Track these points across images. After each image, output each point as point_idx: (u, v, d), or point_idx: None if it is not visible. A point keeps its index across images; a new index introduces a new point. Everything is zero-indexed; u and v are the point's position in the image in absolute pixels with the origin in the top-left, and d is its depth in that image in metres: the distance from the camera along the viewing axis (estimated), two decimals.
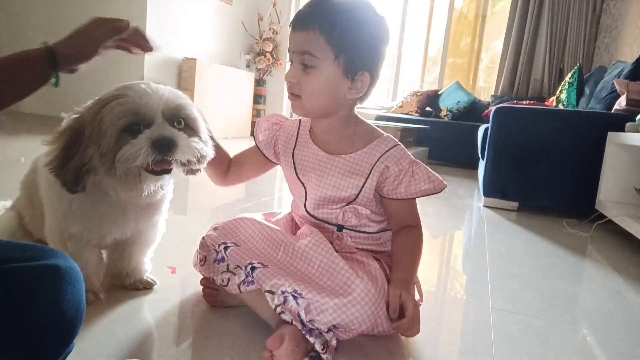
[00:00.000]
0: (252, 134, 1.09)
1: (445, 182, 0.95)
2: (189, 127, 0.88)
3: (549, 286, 1.37)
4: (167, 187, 0.94)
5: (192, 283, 1.08)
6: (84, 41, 0.80)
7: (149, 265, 1.08)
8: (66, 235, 0.90)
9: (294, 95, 0.90)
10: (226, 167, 1.09)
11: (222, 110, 4.89)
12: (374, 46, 0.88)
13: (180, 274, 1.17)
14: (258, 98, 5.64)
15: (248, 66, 5.64)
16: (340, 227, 0.95)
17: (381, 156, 0.92)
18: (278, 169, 1.09)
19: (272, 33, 5.51)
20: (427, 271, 1.41)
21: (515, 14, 5.02)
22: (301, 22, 0.87)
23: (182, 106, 0.85)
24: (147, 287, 1.05)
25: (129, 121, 0.79)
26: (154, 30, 4.17)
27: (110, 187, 0.86)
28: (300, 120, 1.03)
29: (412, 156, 0.95)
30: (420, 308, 0.95)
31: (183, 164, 0.85)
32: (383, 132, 0.98)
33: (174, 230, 1.34)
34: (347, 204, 0.94)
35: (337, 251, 0.90)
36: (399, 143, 0.95)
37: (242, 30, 5.50)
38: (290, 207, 1.07)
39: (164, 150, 0.79)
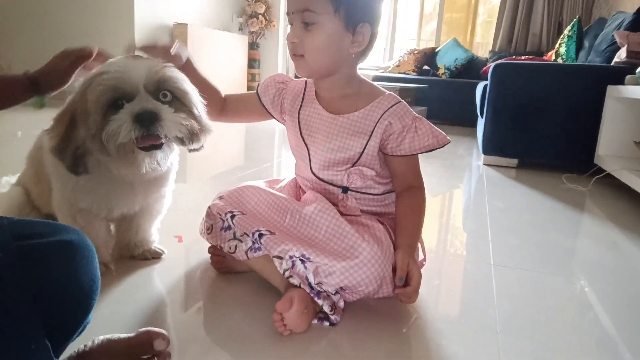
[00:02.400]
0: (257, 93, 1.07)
1: (448, 137, 0.95)
2: (178, 101, 0.84)
3: (548, 240, 1.40)
4: (168, 160, 0.93)
5: (199, 251, 1.10)
6: (56, 72, 0.87)
7: (156, 235, 1.10)
8: (75, 209, 0.92)
9: (297, 56, 0.90)
10: (218, 104, 1.08)
11: (217, 75, 4.82)
12: None
13: (187, 242, 1.19)
14: (252, 62, 5.55)
15: (241, 29, 5.52)
16: (345, 189, 0.96)
17: (384, 113, 0.92)
18: (276, 133, 1.10)
19: None
20: (427, 230, 1.44)
21: None
22: None
23: (166, 78, 0.82)
24: (155, 256, 1.07)
25: (111, 97, 0.77)
26: None
27: (112, 165, 0.86)
28: (306, 81, 1.03)
29: (414, 112, 0.95)
30: (423, 266, 0.98)
31: (176, 139, 0.83)
32: (385, 90, 0.97)
33: (177, 199, 1.35)
34: (352, 165, 0.94)
35: (342, 214, 0.91)
36: (402, 100, 0.95)
37: None
38: (294, 170, 1.08)
39: (145, 124, 0.76)
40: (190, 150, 0.90)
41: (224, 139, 2.94)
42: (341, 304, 0.85)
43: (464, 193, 2.04)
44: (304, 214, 0.90)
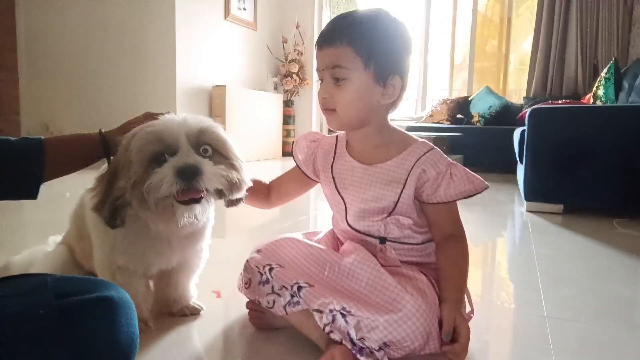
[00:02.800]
0: (291, 153, 1.11)
1: (485, 182, 0.92)
2: (218, 153, 0.86)
3: (606, 290, 1.31)
4: (205, 215, 0.93)
5: (237, 306, 1.08)
6: (126, 131, 0.87)
7: (194, 291, 1.09)
8: (114, 267, 0.92)
9: (328, 110, 0.92)
10: (265, 194, 1.12)
11: (253, 133, 4.97)
12: (400, 50, 0.90)
13: (225, 297, 1.17)
14: (287, 119, 5.71)
15: (276, 88, 5.72)
16: (383, 240, 0.94)
17: (417, 161, 0.91)
18: (313, 188, 1.10)
19: (297, 54, 5.58)
20: (472, 280, 1.37)
21: (542, 13, 4.92)
22: (327, 39, 0.89)
23: (204, 130, 0.84)
24: (194, 312, 1.06)
25: (154, 150, 0.79)
26: (183, 62, 4.30)
27: (150, 220, 0.86)
28: (337, 136, 1.04)
29: (448, 159, 0.93)
30: (471, 320, 0.92)
31: (216, 193, 0.84)
32: (417, 138, 0.97)
33: (215, 253, 1.35)
34: (388, 215, 0.92)
35: (382, 265, 0.88)
36: (434, 147, 0.93)
37: (268, 53, 5.60)
38: (332, 223, 1.07)
39: (187, 178, 0.77)
40: (229, 205, 0.91)
41: None
42: None
43: (508, 241, 1.96)
44: (343, 265, 0.88)
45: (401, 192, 0.91)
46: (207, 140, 0.85)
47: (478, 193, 0.91)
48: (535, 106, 2.53)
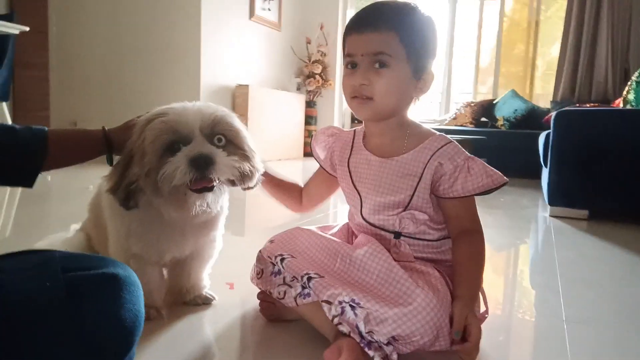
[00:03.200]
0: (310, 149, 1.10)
1: (504, 177, 0.89)
2: (232, 143, 0.87)
3: (629, 294, 1.26)
4: (219, 204, 0.94)
5: (250, 298, 1.08)
6: (129, 130, 0.88)
7: (207, 281, 1.09)
8: (129, 254, 0.93)
9: (363, 99, 0.88)
10: (299, 197, 1.13)
11: (276, 133, 4.99)
12: (435, 46, 0.90)
13: (239, 289, 1.18)
14: (309, 119, 5.72)
15: (298, 89, 5.74)
16: (398, 234, 0.92)
17: (434, 154, 0.89)
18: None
19: (321, 55, 5.59)
20: (491, 282, 1.34)
21: (571, 16, 4.82)
22: (370, 23, 0.86)
23: (219, 119, 0.85)
24: (206, 302, 1.06)
25: (169, 139, 0.80)
26: (208, 61, 4.36)
27: (162, 207, 0.88)
28: (355, 130, 1.03)
29: (466, 152, 0.91)
30: (487, 320, 0.90)
31: (228, 181, 0.85)
32: (435, 131, 0.95)
33: (232, 248, 1.36)
34: (404, 210, 0.91)
35: (395, 260, 0.87)
36: (452, 140, 0.91)
37: (292, 54, 5.63)
38: (347, 216, 1.05)
39: (200, 168, 0.78)
40: (244, 189, 0.91)
41: None
42: (394, 356, 0.78)
43: (529, 244, 1.91)
44: (355, 257, 0.87)
45: (417, 185, 0.89)
46: (220, 130, 0.85)
47: (496, 188, 0.88)
48: (561, 109, 2.47)
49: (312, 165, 1.13)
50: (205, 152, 0.80)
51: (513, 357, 0.91)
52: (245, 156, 0.88)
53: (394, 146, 0.94)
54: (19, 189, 2.51)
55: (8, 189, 2.42)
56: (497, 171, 0.89)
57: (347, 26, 0.92)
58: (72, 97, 4.88)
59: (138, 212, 0.89)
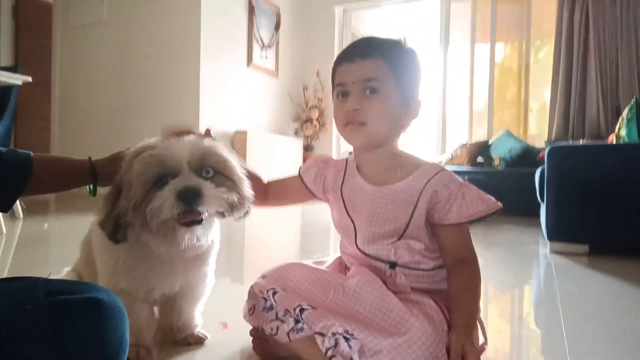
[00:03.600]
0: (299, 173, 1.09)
1: (499, 202, 0.89)
2: (220, 174, 0.87)
3: (633, 329, 1.22)
4: (209, 237, 0.93)
5: (244, 338, 1.05)
6: (115, 163, 0.89)
7: (199, 319, 1.07)
8: (117, 290, 0.91)
9: (355, 125, 0.89)
10: (261, 191, 1.08)
11: (274, 175, 5.01)
12: (420, 77, 0.94)
13: (233, 329, 1.14)
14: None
15: (296, 133, 5.82)
16: (393, 264, 0.90)
17: (428, 182, 0.88)
18: (332, 225, 1.08)
19: (317, 101, 5.72)
20: (494, 322, 1.30)
21: (559, 58, 4.96)
22: (361, 52, 0.89)
23: (207, 153, 0.85)
24: (198, 342, 1.03)
25: (156, 172, 0.80)
26: (207, 108, 4.44)
27: (151, 241, 0.87)
28: (347, 158, 1.03)
29: (460, 179, 0.91)
30: (490, 357, 0.86)
31: (218, 213, 0.85)
32: (427, 161, 0.95)
33: (227, 287, 1.33)
34: (399, 239, 0.90)
35: (393, 291, 0.85)
36: (445, 168, 0.92)
37: (289, 100, 5.75)
38: (339, 248, 1.04)
39: (188, 201, 0.78)
40: (236, 219, 0.91)
41: (279, 228, 2.96)
42: None
43: (532, 280, 1.88)
44: (347, 287, 0.85)
45: (412, 213, 0.88)
46: (209, 163, 0.86)
47: (491, 214, 0.87)
48: (555, 145, 2.50)
49: (311, 208, 1.13)
50: (192, 185, 0.79)
51: None
52: (233, 187, 0.87)
53: (388, 175, 0.93)
54: (17, 234, 2.50)
55: (4, 236, 2.40)
56: (491, 197, 0.89)
57: (337, 58, 0.94)
58: (74, 147, 4.95)
59: (126, 246, 0.88)
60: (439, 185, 0.88)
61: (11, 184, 0.76)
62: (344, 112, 0.90)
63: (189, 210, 0.79)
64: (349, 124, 0.90)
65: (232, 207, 0.85)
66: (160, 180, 0.81)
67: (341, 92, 0.91)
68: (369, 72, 0.88)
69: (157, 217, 0.78)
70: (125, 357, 0.55)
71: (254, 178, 1.06)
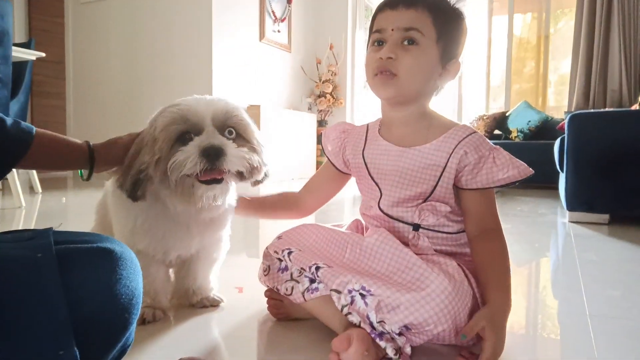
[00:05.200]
0: (320, 144, 1.08)
1: (530, 168, 0.85)
2: (241, 137, 0.87)
3: None
4: (226, 198, 0.92)
5: (259, 301, 1.05)
6: (114, 146, 0.89)
7: (215, 283, 1.07)
8: (134, 251, 0.91)
9: (386, 75, 0.84)
10: (293, 204, 1.11)
11: (287, 152, 5.00)
12: (464, 36, 0.90)
13: (248, 293, 1.15)
14: (321, 138, 5.73)
15: (309, 108, 5.78)
16: (417, 227, 0.88)
17: (459, 143, 0.85)
18: (346, 199, 1.07)
19: (331, 75, 5.64)
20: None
21: (581, 27, 4.80)
22: (406, 0, 0.86)
23: (231, 112, 0.85)
24: (213, 304, 1.03)
25: (180, 128, 0.80)
26: (220, 83, 4.42)
27: (168, 200, 0.87)
28: (368, 124, 1.00)
29: (492, 143, 0.87)
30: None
31: (237, 175, 0.85)
32: (459, 123, 0.92)
33: (243, 257, 1.33)
34: (424, 201, 0.87)
35: (415, 253, 0.83)
36: (477, 131, 0.88)
37: (302, 74, 5.69)
38: (360, 210, 1.01)
39: (211, 158, 0.78)
40: (254, 184, 0.91)
41: None
42: (408, 349, 0.74)
43: (550, 248, 1.85)
44: (365, 245, 0.84)
45: (440, 175, 0.85)
46: (231, 123, 0.86)
47: (522, 179, 0.84)
48: (576, 112, 2.43)
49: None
50: (216, 143, 0.79)
51: (539, 351, 0.86)
52: (254, 149, 0.87)
53: (416, 136, 0.90)
54: (37, 208, 2.54)
55: (23, 210, 2.44)
56: (523, 163, 0.85)
57: (380, 4, 0.90)
58: (88, 124, 4.98)
59: (144, 208, 0.88)
60: (469, 146, 0.85)
61: (7, 156, 0.76)
62: (376, 60, 0.85)
63: (211, 168, 0.79)
64: (380, 74, 0.85)
65: (252, 169, 0.85)
66: (184, 136, 0.81)
67: (377, 40, 0.87)
68: (411, 21, 0.84)
69: (179, 172, 0.78)
70: (138, 311, 0.54)
71: (281, 201, 1.11)
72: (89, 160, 0.86)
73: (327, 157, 1.06)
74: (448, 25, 0.86)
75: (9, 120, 0.75)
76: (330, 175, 1.07)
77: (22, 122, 0.79)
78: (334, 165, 1.05)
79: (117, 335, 0.51)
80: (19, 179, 2.57)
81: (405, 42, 0.84)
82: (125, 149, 0.88)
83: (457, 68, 0.89)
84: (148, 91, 4.61)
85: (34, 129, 0.80)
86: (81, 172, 0.89)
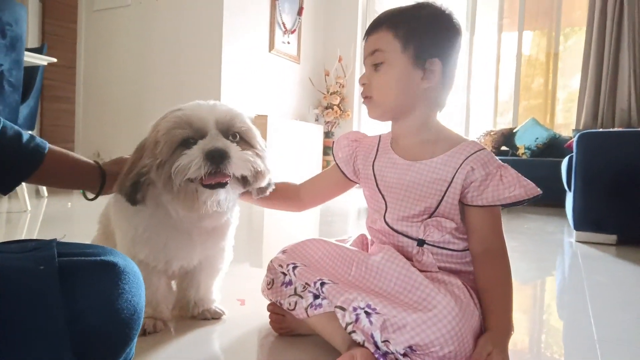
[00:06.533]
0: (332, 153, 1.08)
1: (538, 188, 0.83)
2: (244, 141, 0.87)
3: None
4: (229, 208, 0.91)
5: (261, 314, 1.04)
6: (122, 163, 0.89)
7: (217, 294, 1.06)
8: (136, 261, 0.91)
9: (366, 99, 0.91)
10: (295, 196, 1.09)
11: (294, 163, 5.00)
12: (441, 34, 0.88)
13: (250, 305, 1.13)
14: (327, 149, 5.72)
15: (317, 120, 5.79)
16: (422, 242, 0.87)
17: (466, 159, 0.84)
18: (350, 211, 1.06)
19: (339, 87, 5.65)
20: (519, 308, 1.26)
21: (590, 45, 4.79)
22: (370, 28, 0.91)
23: (235, 118, 0.85)
24: (215, 317, 1.02)
25: (184, 133, 0.79)
26: (228, 92, 4.44)
27: (170, 205, 0.86)
28: (380, 135, 1.00)
29: (500, 161, 0.86)
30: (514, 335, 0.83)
31: (240, 180, 0.84)
32: (467, 138, 0.91)
33: (246, 268, 1.32)
34: (429, 216, 0.86)
35: (419, 270, 0.82)
36: (485, 147, 0.87)
37: (310, 86, 5.70)
38: (366, 223, 1.00)
39: (216, 161, 0.77)
40: (258, 194, 0.90)
41: (298, 215, 2.95)
42: None
43: (557, 268, 1.82)
44: (371, 263, 0.82)
45: (446, 190, 0.84)
46: (235, 128, 0.85)
47: (528, 199, 0.82)
48: (585, 131, 2.41)
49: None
50: (221, 146, 0.79)
51: None
52: (257, 154, 0.87)
53: (423, 150, 0.90)
54: (42, 212, 2.54)
55: (29, 214, 2.45)
56: (531, 182, 0.84)
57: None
58: (97, 129, 5.01)
59: (145, 217, 0.87)
60: (477, 163, 0.84)
61: (20, 170, 0.77)
62: (360, 85, 0.92)
63: (215, 172, 0.78)
64: (364, 100, 0.92)
65: (256, 174, 0.84)
66: (187, 140, 0.80)
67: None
68: (374, 44, 0.89)
69: (182, 176, 0.77)
70: (139, 327, 0.53)
71: (285, 189, 1.07)
72: (99, 179, 0.86)
73: (336, 162, 1.05)
74: (413, 31, 0.86)
75: (25, 136, 0.75)
76: (335, 179, 1.06)
77: (37, 138, 0.79)
78: (342, 172, 1.04)
79: (117, 350, 0.50)
80: (25, 183, 2.58)
81: (375, 65, 0.89)
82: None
83: (436, 66, 0.86)
84: (157, 98, 4.63)
85: (47, 146, 0.80)
86: (83, 192, 0.90)
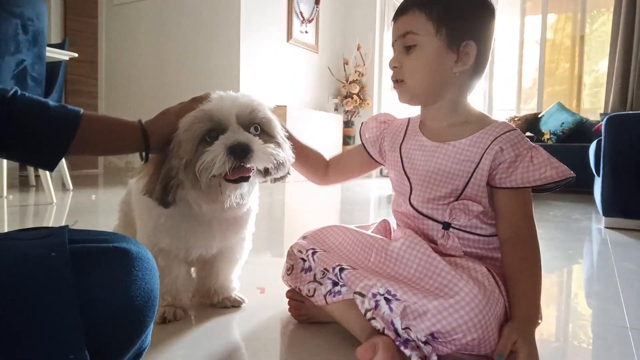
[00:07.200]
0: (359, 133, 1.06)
1: (571, 171, 0.79)
2: (265, 133, 0.86)
3: None
4: (250, 198, 0.91)
5: (281, 303, 1.03)
6: (169, 118, 0.84)
7: (237, 283, 1.06)
8: (157, 249, 0.91)
9: (397, 82, 0.88)
10: (322, 168, 1.08)
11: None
12: (476, 15, 0.85)
13: (270, 294, 1.13)
14: (347, 139, 5.69)
15: (336, 109, 5.75)
16: (447, 225, 0.84)
17: (495, 139, 0.81)
18: (371, 199, 1.04)
19: (358, 75, 5.60)
20: (548, 294, 1.23)
21: (618, 27, 4.62)
22: (400, 9, 0.88)
23: (256, 109, 0.83)
24: (235, 305, 1.02)
25: (205, 128, 0.79)
26: (247, 83, 4.44)
27: (193, 200, 0.86)
28: (409, 118, 0.98)
29: (530, 142, 0.82)
30: (543, 324, 0.80)
31: (262, 172, 0.83)
32: (498, 119, 0.87)
33: (266, 257, 1.31)
34: (456, 199, 0.83)
35: (441, 254, 0.80)
36: (516, 128, 0.84)
37: (329, 75, 5.67)
38: (392, 206, 0.98)
39: (239, 155, 0.76)
40: (274, 182, 0.89)
41: (319, 204, 2.94)
42: (434, 358, 0.71)
43: (585, 255, 1.77)
44: (391, 249, 0.80)
45: (473, 171, 0.81)
46: (256, 120, 0.84)
47: (561, 182, 0.78)
48: (614, 113, 2.32)
49: (352, 185, 1.09)
50: (243, 140, 0.77)
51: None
52: (278, 144, 0.86)
53: (452, 132, 0.87)
54: (68, 204, 2.59)
55: (55, 206, 2.49)
56: (563, 164, 0.80)
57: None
58: None
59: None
60: (506, 143, 0.80)
61: (57, 139, 0.71)
62: (391, 69, 0.88)
63: (239, 166, 0.77)
64: (394, 83, 0.89)
65: (278, 165, 0.83)
66: (209, 134, 0.79)
67: (393, 51, 0.89)
68: (405, 26, 0.86)
69: (207, 173, 0.77)
70: (154, 314, 0.52)
71: (314, 155, 1.07)
72: (142, 135, 0.80)
73: (362, 143, 1.04)
74: (447, 12, 0.83)
75: (52, 104, 0.72)
76: (361, 159, 1.05)
77: (68, 106, 0.74)
78: (368, 153, 1.02)
79: (132, 338, 0.49)
80: (51, 176, 2.63)
81: (406, 47, 0.85)
82: (177, 115, 0.83)
83: (474, 49, 0.83)
84: (177, 90, 4.66)
85: (81, 110, 0.75)
86: (141, 155, 0.83)
